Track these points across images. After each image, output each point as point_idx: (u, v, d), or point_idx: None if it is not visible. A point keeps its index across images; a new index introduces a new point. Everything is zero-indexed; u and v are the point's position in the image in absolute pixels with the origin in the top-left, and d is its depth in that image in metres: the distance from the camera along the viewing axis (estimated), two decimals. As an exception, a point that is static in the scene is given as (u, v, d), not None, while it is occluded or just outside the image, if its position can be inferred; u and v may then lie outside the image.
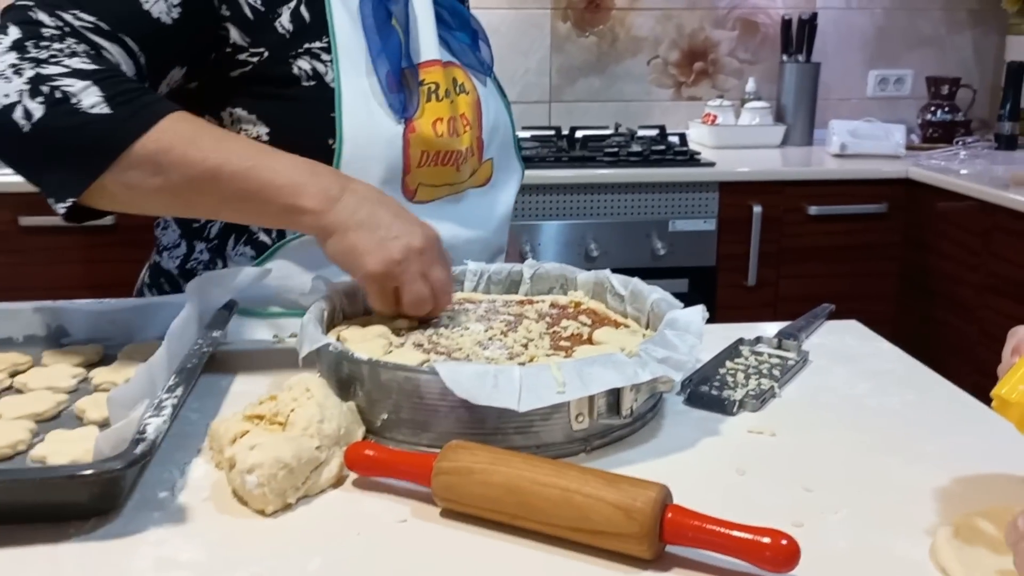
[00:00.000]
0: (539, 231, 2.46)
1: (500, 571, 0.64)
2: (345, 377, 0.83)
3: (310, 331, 0.86)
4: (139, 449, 0.67)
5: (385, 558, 0.66)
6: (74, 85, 0.87)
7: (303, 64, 1.04)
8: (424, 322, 0.95)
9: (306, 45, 1.04)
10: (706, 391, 0.92)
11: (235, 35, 1.02)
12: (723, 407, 0.89)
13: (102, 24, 0.92)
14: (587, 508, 0.64)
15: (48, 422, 0.84)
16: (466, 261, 1.09)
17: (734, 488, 0.76)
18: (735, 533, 0.61)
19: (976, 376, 2.23)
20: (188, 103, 1.02)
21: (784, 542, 0.60)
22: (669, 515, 0.63)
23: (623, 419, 0.81)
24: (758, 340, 1.06)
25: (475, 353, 0.87)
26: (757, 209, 2.51)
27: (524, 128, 2.76)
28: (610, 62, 3.04)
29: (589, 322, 0.97)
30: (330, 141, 1.04)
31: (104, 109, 0.86)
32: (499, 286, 1.08)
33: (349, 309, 0.99)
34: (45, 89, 0.86)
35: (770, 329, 1.10)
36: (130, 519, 0.70)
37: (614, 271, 1.04)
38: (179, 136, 0.88)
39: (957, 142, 2.85)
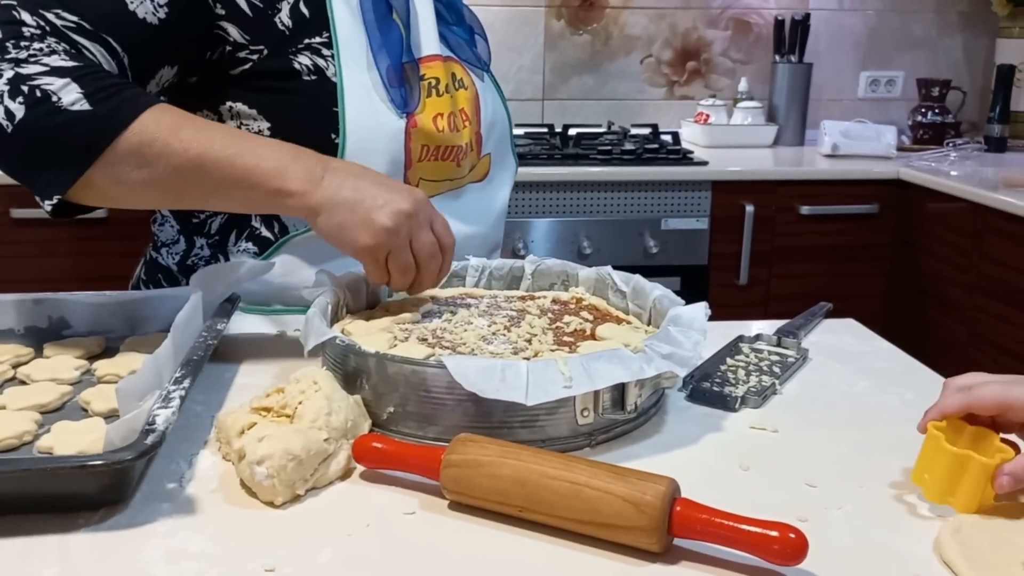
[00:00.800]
0: (532, 228, 2.47)
1: (508, 563, 0.65)
2: (351, 370, 0.83)
3: (316, 324, 0.86)
4: (150, 439, 0.67)
5: (395, 550, 0.66)
6: (53, 83, 0.86)
7: (304, 59, 1.04)
8: (427, 314, 0.96)
9: (306, 40, 1.04)
10: (708, 387, 0.93)
11: (234, 33, 1.01)
12: (725, 403, 0.90)
13: (85, 24, 0.92)
14: (596, 501, 0.65)
15: (53, 413, 0.84)
16: (467, 256, 1.10)
17: (738, 483, 0.76)
18: (743, 527, 0.62)
19: (965, 376, 2.25)
20: (187, 98, 1.02)
21: (792, 535, 0.61)
22: (678, 508, 0.64)
23: (627, 414, 0.81)
24: (758, 338, 1.07)
25: (479, 348, 0.87)
26: (749, 208, 2.52)
27: (517, 125, 2.75)
28: (603, 60, 3.05)
29: (591, 318, 0.97)
30: (333, 135, 1.04)
31: (84, 106, 0.86)
32: (500, 282, 1.09)
33: (353, 303, 0.99)
34: (25, 88, 0.86)
35: (769, 327, 1.10)
36: (139, 510, 0.70)
37: (608, 269, 1.04)
38: (161, 128, 0.88)
39: (947, 144, 2.87)
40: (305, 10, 1.04)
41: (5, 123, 0.85)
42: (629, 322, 0.98)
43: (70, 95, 0.86)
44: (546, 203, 2.47)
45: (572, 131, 2.73)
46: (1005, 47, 3.03)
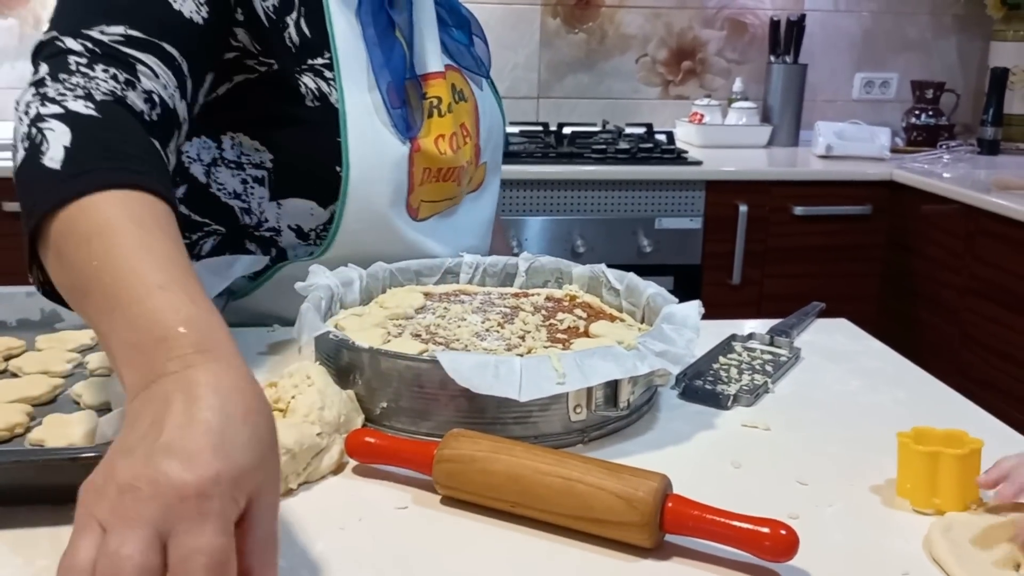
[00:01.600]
0: (525, 226, 2.47)
1: (501, 558, 0.65)
2: (345, 365, 0.83)
3: (310, 319, 0.86)
4: (142, 433, 0.67)
5: (388, 544, 0.66)
6: (56, 129, 0.73)
7: (308, 81, 1.01)
8: (421, 310, 0.96)
9: (309, 61, 1.01)
10: (700, 385, 0.93)
11: (244, 39, 0.99)
12: (717, 401, 0.90)
13: (133, 32, 0.84)
14: (589, 497, 0.65)
15: (44, 406, 0.84)
16: (461, 253, 1.10)
17: (730, 480, 0.77)
18: (735, 523, 0.62)
19: (957, 377, 2.26)
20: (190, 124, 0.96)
21: (783, 532, 0.61)
22: (670, 505, 0.64)
23: (620, 411, 0.82)
24: (750, 336, 1.08)
25: (473, 344, 0.88)
26: (743, 208, 2.53)
27: (512, 124, 2.77)
28: (599, 59, 3.05)
29: (585, 315, 0.97)
30: (337, 168, 1.02)
31: (54, 165, 0.71)
32: (494, 279, 1.09)
33: (347, 299, 0.99)
34: (34, 132, 0.75)
35: (761, 326, 1.11)
36: (131, 503, 0.70)
37: (601, 267, 1.05)
38: (92, 222, 0.65)
39: (941, 146, 2.88)
40: (307, 29, 1.01)
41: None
42: (623, 320, 0.99)
43: (56, 148, 0.72)
44: (540, 201, 2.47)
45: (567, 130, 2.74)
46: (999, 50, 3.05)
